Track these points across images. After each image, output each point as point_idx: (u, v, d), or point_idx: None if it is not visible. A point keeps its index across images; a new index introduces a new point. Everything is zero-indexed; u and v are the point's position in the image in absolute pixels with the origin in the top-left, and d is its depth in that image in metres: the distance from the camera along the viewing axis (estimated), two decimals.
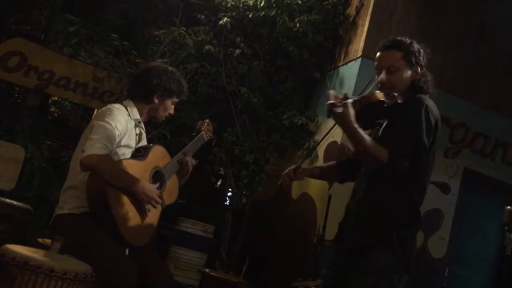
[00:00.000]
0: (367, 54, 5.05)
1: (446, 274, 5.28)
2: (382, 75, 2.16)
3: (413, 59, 2.18)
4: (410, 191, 2.09)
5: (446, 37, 5.40)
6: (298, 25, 5.37)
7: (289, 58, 5.61)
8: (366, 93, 2.09)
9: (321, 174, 2.56)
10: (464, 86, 5.44)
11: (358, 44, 5.22)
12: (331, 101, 1.90)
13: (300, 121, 5.40)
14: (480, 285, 5.54)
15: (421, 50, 2.23)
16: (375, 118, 2.14)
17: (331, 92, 1.95)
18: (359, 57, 5.11)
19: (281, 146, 5.68)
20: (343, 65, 5.44)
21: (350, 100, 1.94)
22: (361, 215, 2.12)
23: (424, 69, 2.22)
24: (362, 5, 5.42)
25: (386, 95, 2.06)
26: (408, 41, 2.22)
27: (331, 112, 1.91)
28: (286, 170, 2.38)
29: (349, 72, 5.23)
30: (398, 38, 2.24)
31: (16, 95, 6.44)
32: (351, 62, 5.26)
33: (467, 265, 5.50)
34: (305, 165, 5.29)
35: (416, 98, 2.11)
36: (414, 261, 2.09)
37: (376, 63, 2.24)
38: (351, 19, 5.54)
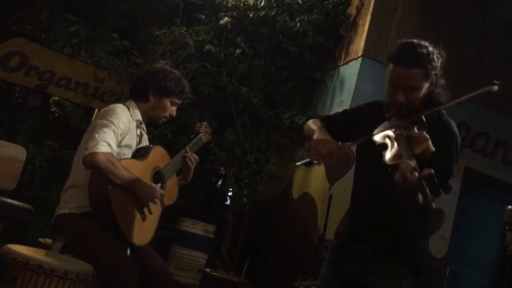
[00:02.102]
0: (367, 53, 5.06)
1: (447, 273, 5.28)
2: (400, 96, 1.97)
3: (433, 72, 2.00)
4: None
5: (447, 37, 5.38)
6: (298, 24, 5.36)
7: (290, 57, 5.61)
8: (415, 149, 1.76)
9: None
10: (465, 86, 5.41)
11: (359, 43, 5.22)
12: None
13: (301, 121, 5.38)
14: (481, 285, 5.54)
15: (440, 59, 2.03)
16: None
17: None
18: (359, 57, 5.11)
19: (282, 146, 5.68)
20: (343, 64, 5.44)
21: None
22: (378, 226, 2.03)
23: (438, 76, 2.05)
24: (363, 4, 5.42)
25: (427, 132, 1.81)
26: (429, 52, 1.99)
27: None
28: (328, 148, 2.01)
29: (350, 71, 5.23)
30: (418, 49, 1.98)
31: (17, 95, 6.45)
32: (352, 62, 5.26)
33: (468, 264, 5.49)
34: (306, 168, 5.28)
35: (445, 127, 2.00)
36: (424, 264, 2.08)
37: (392, 77, 1.99)
38: (351, 18, 5.54)
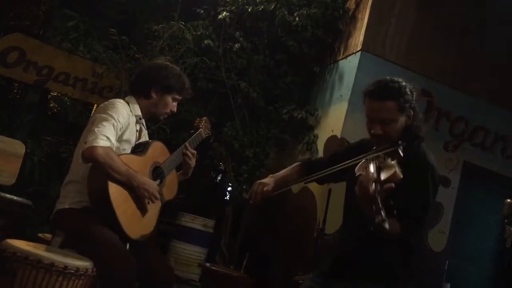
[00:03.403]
0: (366, 48, 5.05)
1: (446, 267, 5.29)
2: (377, 129, 2.07)
3: (407, 105, 2.07)
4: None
5: (446, 30, 5.38)
6: (297, 19, 5.35)
7: (289, 52, 5.60)
8: (385, 174, 1.82)
9: (284, 183, 2.56)
10: (464, 80, 5.43)
11: (358, 38, 5.21)
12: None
13: (300, 115, 5.39)
14: (480, 278, 5.55)
15: (414, 93, 2.11)
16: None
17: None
18: (358, 51, 5.10)
19: (280, 141, 5.68)
20: (342, 59, 5.43)
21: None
22: (363, 251, 2.07)
23: (416, 110, 2.12)
24: None
25: (398, 164, 1.86)
26: (401, 86, 2.09)
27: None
28: (260, 189, 2.42)
29: (349, 66, 5.22)
30: (390, 84, 2.09)
31: (16, 91, 6.44)
32: (351, 56, 5.25)
33: (467, 258, 5.51)
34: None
35: (421, 157, 2.05)
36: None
37: (368, 112, 2.12)
38: (350, 12, 5.52)
